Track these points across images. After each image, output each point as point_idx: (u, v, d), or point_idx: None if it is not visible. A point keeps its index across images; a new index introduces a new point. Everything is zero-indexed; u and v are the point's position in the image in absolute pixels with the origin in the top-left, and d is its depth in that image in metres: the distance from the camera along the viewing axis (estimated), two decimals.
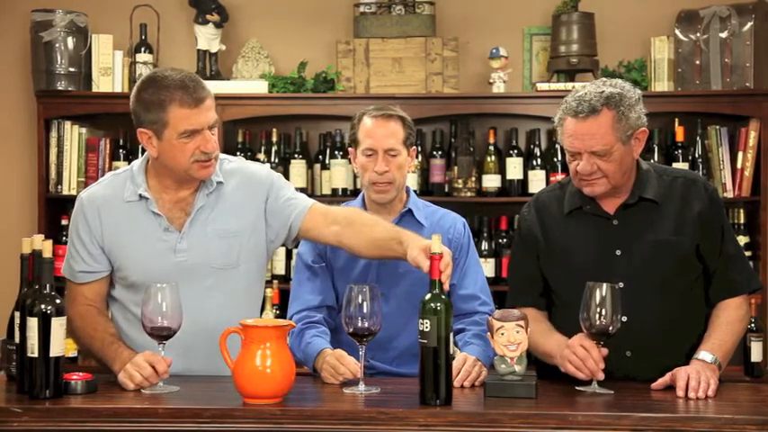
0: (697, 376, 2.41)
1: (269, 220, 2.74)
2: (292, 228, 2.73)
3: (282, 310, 4.11)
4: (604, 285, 2.41)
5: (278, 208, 2.73)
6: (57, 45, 4.33)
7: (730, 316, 2.65)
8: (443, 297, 2.29)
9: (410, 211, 2.93)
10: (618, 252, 2.67)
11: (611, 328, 2.40)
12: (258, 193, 2.73)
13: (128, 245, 2.67)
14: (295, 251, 3.05)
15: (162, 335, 2.45)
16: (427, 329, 2.27)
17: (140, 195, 2.67)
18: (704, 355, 2.54)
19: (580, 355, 2.44)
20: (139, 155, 4.12)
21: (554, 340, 2.60)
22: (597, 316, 2.40)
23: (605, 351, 2.44)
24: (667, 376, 2.47)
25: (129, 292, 2.70)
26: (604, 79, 2.71)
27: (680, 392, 2.40)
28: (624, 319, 2.52)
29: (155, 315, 2.44)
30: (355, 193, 4.29)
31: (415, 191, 3.06)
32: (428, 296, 2.29)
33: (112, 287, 2.74)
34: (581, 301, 2.44)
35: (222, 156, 2.77)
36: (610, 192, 2.66)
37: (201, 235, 2.67)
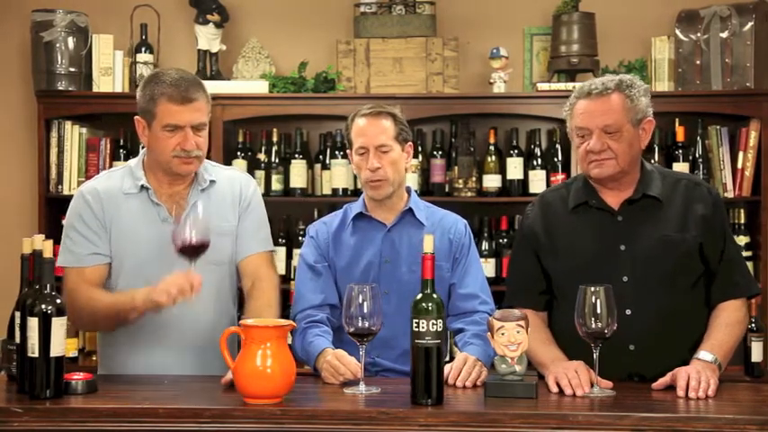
0: (697, 376, 2.42)
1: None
2: (237, 256, 2.84)
3: (283, 310, 4.10)
4: (599, 287, 2.39)
5: (241, 228, 2.84)
6: (57, 45, 4.32)
7: (730, 317, 2.66)
8: (435, 297, 2.29)
9: (410, 210, 2.94)
10: (622, 247, 2.67)
11: (606, 331, 2.39)
12: (241, 202, 2.86)
13: (128, 233, 2.74)
14: (296, 251, 3.05)
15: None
16: (418, 329, 2.27)
17: (141, 186, 2.77)
18: (704, 354, 2.55)
19: (570, 377, 2.44)
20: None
21: (552, 353, 2.62)
22: (593, 318, 2.39)
23: (609, 384, 2.44)
24: (668, 376, 2.48)
25: (126, 284, 2.74)
26: (614, 73, 2.77)
27: (680, 392, 2.40)
28: (628, 312, 2.53)
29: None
30: (356, 192, 4.29)
31: (415, 191, 3.06)
32: (419, 296, 2.30)
33: (108, 278, 2.78)
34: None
35: (216, 163, 2.95)
36: (616, 176, 2.67)
37: None
